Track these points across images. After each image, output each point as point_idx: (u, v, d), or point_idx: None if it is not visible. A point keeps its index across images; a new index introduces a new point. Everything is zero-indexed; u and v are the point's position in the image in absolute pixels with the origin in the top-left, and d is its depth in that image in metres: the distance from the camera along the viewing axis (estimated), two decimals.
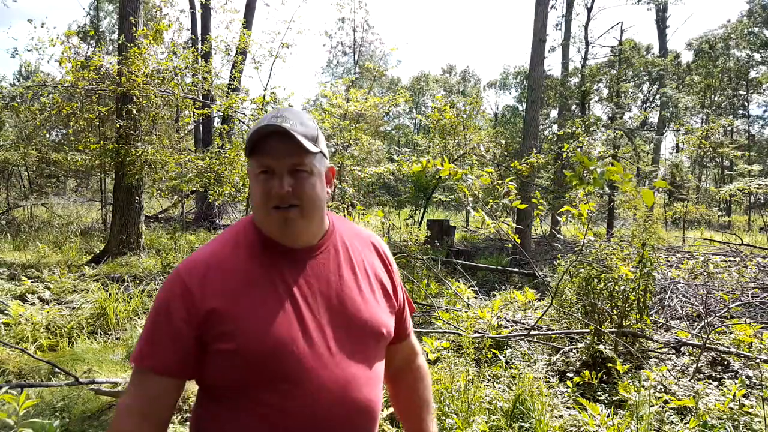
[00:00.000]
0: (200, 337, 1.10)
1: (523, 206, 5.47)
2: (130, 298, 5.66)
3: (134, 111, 8.55)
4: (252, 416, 1.10)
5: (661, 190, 17.74)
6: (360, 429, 1.16)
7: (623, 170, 3.70)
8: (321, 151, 1.18)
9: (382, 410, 3.08)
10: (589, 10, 20.30)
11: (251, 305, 1.11)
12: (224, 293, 1.11)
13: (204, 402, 1.18)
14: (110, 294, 5.56)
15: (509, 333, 4.65)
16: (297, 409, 1.08)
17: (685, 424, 3.07)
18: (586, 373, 3.80)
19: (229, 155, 7.94)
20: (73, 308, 5.69)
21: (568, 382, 3.65)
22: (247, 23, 14.35)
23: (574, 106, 19.68)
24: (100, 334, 5.06)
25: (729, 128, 27.29)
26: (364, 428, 1.17)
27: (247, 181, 7.78)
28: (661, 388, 3.63)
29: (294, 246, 1.18)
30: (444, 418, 3.02)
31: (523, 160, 8.82)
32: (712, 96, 29.11)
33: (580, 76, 17.99)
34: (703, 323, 5.04)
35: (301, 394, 1.09)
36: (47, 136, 15.67)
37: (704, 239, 13.62)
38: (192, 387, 1.22)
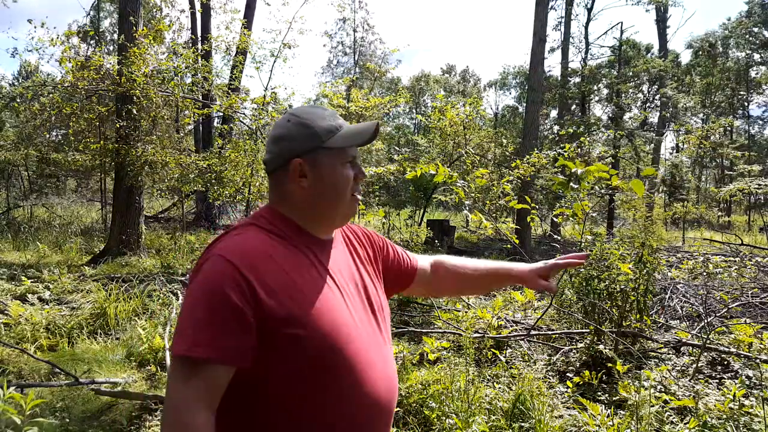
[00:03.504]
0: (261, 326, 1.03)
1: (522, 206, 5.46)
2: (130, 298, 5.66)
3: (134, 111, 8.55)
4: (318, 404, 1.08)
5: (661, 189, 17.73)
6: (394, 403, 1.23)
7: (607, 167, 3.72)
8: None
9: None
10: (589, 10, 20.33)
11: (308, 290, 1.10)
12: (282, 280, 1.07)
13: (240, 407, 1.09)
14: (110, 294, 5.55)
15: (509, 333, 4.65)
16: (360, 387, 1.11)
17: (685, 424, 3.07)
18: (586, 373, 3.79)
19: (230, 155, 7.95)
20: (73, 308, 5.69)
21: (568, 382, 3.65)
22: (248, 23, 14.34)
23: (574, 107, 19.69)
24: (100, 334, 5.06)
25: (729, 128, 27.28)
26: (394, 403, 1.23)
27: (249, 181, 7.80)
28: (661, 388, 3.63)
29: (323, 237, 1.23)
30: (444, 418, 3.02)
31: (524, 160, 8.82)
32: (712, 96, 29.10)
33: (580, 76, 17.98)
34: (703, 323, 5.04)
35: (361, 374, 1.12)
36: (47, 136, 15.69)
37: (704, 239, 13.62)
38: None
